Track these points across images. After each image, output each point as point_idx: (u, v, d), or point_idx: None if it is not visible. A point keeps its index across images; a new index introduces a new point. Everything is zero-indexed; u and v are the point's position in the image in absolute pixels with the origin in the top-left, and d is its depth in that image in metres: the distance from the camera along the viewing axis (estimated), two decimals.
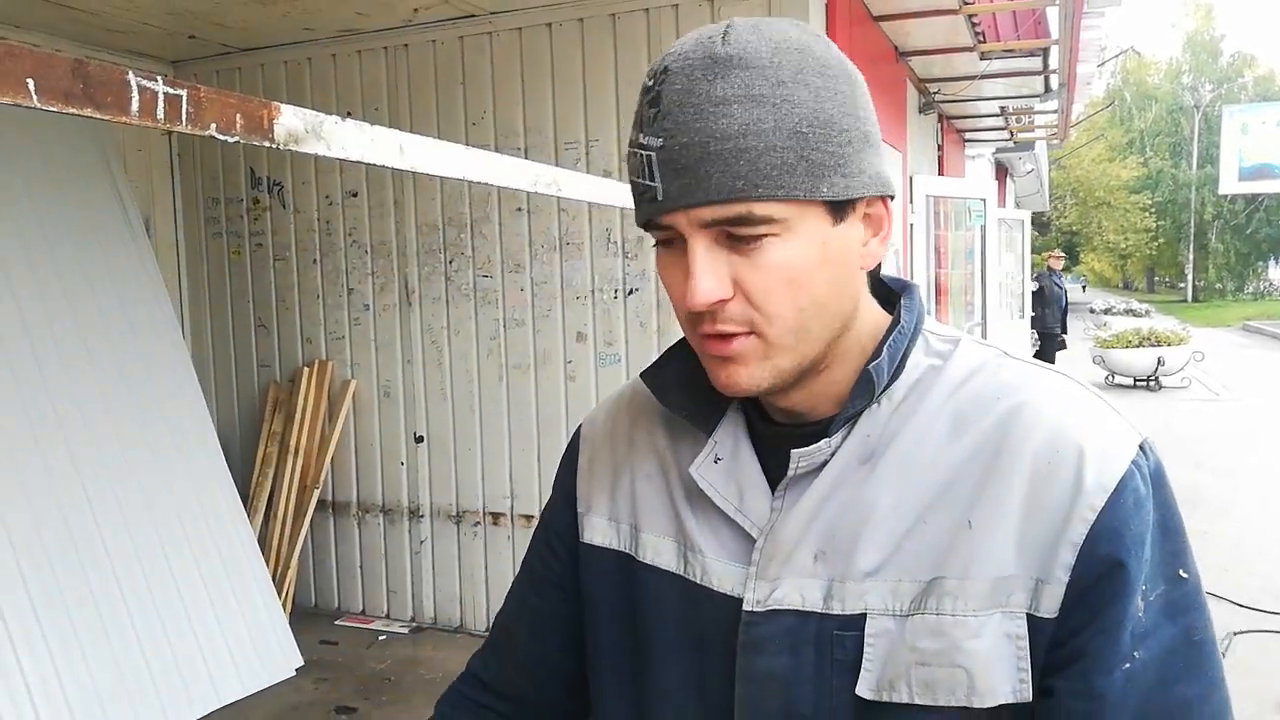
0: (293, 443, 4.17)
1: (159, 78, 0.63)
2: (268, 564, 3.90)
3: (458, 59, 3.85)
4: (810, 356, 0.69)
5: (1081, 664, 0.63)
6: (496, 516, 4.00)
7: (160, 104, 0.63)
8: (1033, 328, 11.34)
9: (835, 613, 0.68)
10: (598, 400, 3.73)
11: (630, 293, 3.67)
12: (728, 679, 0.72)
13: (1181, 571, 0.65)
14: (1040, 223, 29.84)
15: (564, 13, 3.64)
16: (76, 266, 3.52)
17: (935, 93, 5.94)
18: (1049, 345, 11.18)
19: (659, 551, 0.78)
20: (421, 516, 4.14)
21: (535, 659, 0.90)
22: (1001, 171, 12.65)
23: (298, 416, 4.17)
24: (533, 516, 3.92)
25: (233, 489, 3.80)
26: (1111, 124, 34.13)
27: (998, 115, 7.69)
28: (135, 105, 0.61)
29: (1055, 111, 7.93)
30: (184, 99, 0.65)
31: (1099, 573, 0.63)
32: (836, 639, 0.68)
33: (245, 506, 3.92)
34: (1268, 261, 35.13)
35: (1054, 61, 5.70)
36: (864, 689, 0.67)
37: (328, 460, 4.20)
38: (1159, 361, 11.42)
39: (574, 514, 0.86)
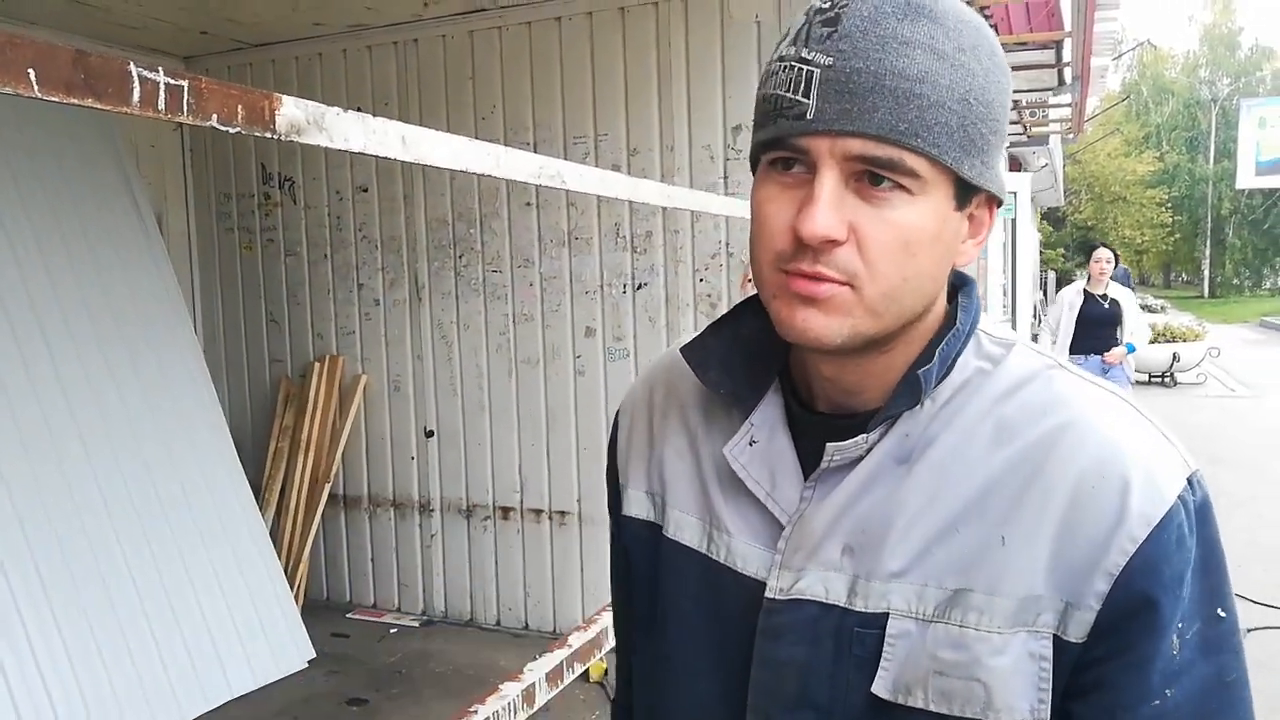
0: (304, 437, 4.20)
1: (160, 68, 0.64)
2: (280, 557, 3.93)
3: (467, 54, 3.86)
4: (889, 329, 0.66)
5: (1109, 696, 0.62)
6: (506, 511, 4.01)
7: (162, 94, 0.63)
8: None
9: (858, 609, 0.67)
10: (606, 395, 3.75)
11: (639, 287, 3.67)
12: (745, 660, 0.71)
13: (1220, 610, 0.64)
14: (1055, 218, 29.62)
15: (573, 7, 3.64)
16: (90, 262, 3.55)
17: None
18: None
19: (682, 527, 0.78)
20: (432, 511, 4.16)
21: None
22: (1015, 166, 12.59)
23: (309, 411, 4.19)
24: (542, 510, 3.93)
25: (244, 482, 3.82)
26: (1127, 118, 33.82)
27: (1010, 109, 7.64)
28: (136, 95, 0.61)
29: (1069, 105, 7.87)
30: (185, 89, 0.65)
31: (1132, 606, 0.61)
32: (857, 635, 0.67)
33: (257, 500, 3.94)
34: None
35: (1068, 54, 5.66)
36: (880, 688, 0.66)
37: (339, 455, 4.22)
38: (1174, 357, 11.33)
39: (618, 491, 0.86)
